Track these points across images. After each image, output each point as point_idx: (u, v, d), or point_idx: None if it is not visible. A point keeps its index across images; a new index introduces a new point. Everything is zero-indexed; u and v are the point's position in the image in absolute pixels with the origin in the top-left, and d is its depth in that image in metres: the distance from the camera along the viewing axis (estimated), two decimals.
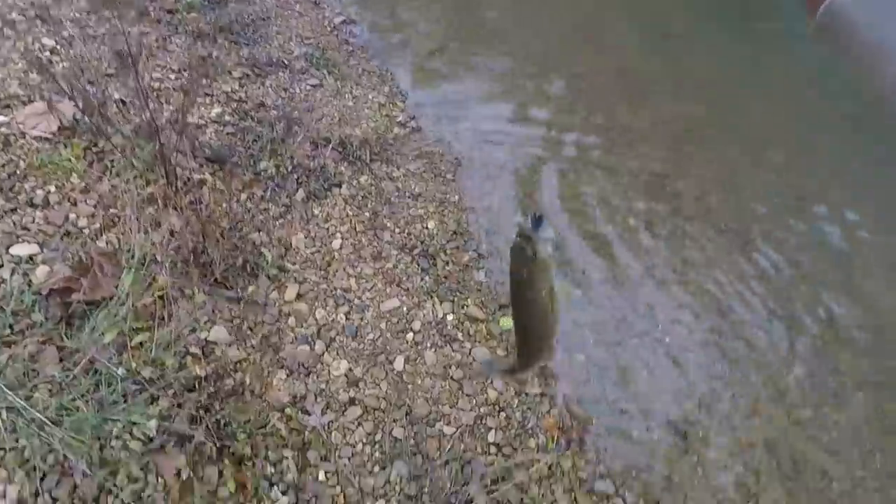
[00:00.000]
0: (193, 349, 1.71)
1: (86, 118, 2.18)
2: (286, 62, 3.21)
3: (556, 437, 1.92)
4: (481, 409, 1.90)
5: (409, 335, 2.05)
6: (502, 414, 1.92)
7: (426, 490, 1.66)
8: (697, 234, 2.88)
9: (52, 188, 2.00)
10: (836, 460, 2.02)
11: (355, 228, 2.37)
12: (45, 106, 2.19)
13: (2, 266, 1.72)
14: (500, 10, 4.41)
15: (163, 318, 1.73)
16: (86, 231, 1.91)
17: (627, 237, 2.79)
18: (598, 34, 4.42)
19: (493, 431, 1.86)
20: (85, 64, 2.45)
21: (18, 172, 2.01)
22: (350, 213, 2.43)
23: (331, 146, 2.65)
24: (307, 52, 3.33)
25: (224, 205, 2.23)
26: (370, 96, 3.21)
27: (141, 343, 1.66)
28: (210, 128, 2.55)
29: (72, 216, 1.94)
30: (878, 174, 3.41)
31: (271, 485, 1.54)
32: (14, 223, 1.86)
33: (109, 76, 2.48)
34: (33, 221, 1.88)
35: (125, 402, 1.52)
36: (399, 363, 1.95)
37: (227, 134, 2.54)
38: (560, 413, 2.00)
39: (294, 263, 2.15)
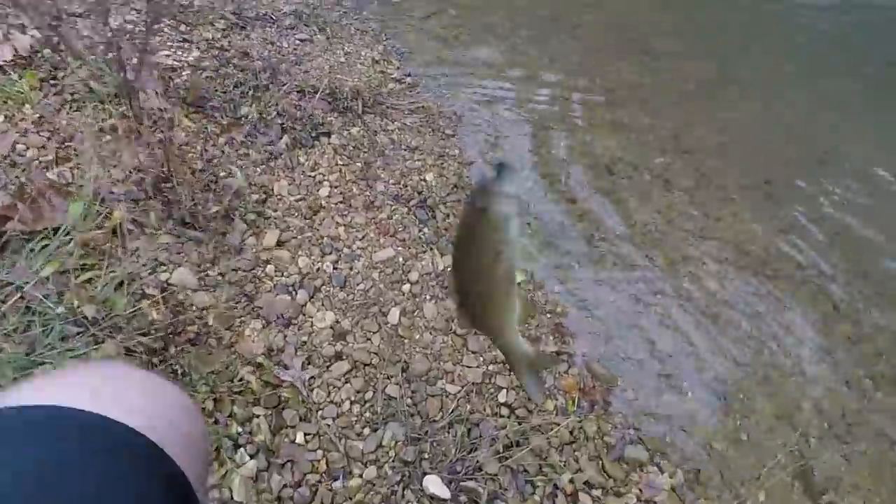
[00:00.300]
0: (151, 290, 1.45)
1: (46, 50, 1.95)
2: (273, 17, 2.98)
3: (576, 399, 1.66)
4: (490, 367, 1.64)
5: (406, 286, 1.79)
6: (513, 374, 1.65)
7: (426, 455, 1.39)
8: (719, 189, 2.64)
9: (1, 118, 1.75)
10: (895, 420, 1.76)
11: (345, 177, 2.12)
12: (0, 35, 1.96)
13: None
14: None
15: (114, 256, 1.48)
16: (34, 163, 1.66)
17: (644, 192, 2.54)
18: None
19: (503, 391, 1.59)
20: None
21: None
22: (340, 162, 2.19)
23: (318, 95, 2.41)
24: (296, 10, 3.11)
25: (198, 146, 1.98)
26: (363, 53, 2.98)
27: (88, 281, 1.41)
28: (186, 71, 2.31)
29: (19, 146, 1.69)
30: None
31: (237, 446, 1.28)
32: None
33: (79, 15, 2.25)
34: None
35: (63, 343, 1.26)
36: (394, 315, 1.69)
37: (206, 78, 2.30)
38: (580, 373, 1.74)
39: (275, 210, 1.90)
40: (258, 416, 1.33)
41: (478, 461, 1.41)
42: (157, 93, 2.03)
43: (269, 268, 1.70)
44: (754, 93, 3.50)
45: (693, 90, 3.39)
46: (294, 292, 1.66)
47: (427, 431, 1.43)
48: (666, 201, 2.54)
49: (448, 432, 1.45)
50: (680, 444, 1.62)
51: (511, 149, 2.63)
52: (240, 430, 1.30)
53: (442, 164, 2.38)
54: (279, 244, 1.78)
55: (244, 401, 1.34)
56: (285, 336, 1.54)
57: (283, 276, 1.70)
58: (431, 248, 1.95)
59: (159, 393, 0.50)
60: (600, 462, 1.53)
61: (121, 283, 1.43)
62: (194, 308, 1.49)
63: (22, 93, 1.82)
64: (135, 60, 1.86)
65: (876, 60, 4.08)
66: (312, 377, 1.46)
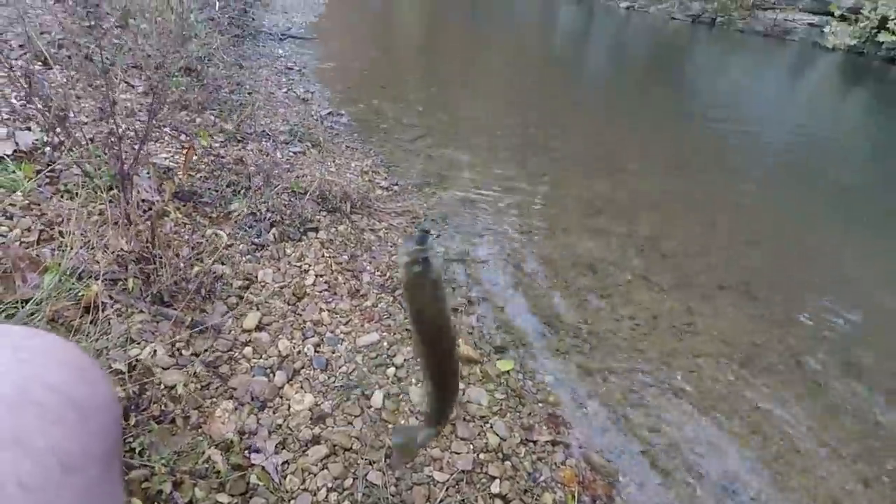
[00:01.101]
0: (117, 365, 1.36)
1: (48, 148, 2.05)
2: (270, 134, 3.21)
3: (577, 494, 1.51)
4: (481, 455, 1.51)
5: (391, 370, 1.70)
6: (507, 462, 1.52)
7: None
8: (698, 287, 2.69)
9: None
10: None
11: (331, 268, 2.13)
12: (5, 132, 2.06)
13: None
14: (476, 109, 4.69)
15: (82, 332, 1.40)
16: (15, 243, 1.64)
17: (627, 290, 2.58)
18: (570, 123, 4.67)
19: (496, 482, 1.45)
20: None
21: None
22: (326, 255, 2.21)
23: (308, 195, 2.51)
24: (292, 129, 3.36)
25: (186, 236, 2.00)
26: (353, 164, 3.18)
27: None
28: (181, 174, 2.41)
29: (3, 228, 1.69)
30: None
31: None
32: None
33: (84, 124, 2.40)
34: None
35: None
36: (377, 399, 1.58)
37: (200, 178, 2.40)
38: (578, 465, 1.60)
39: (257, 295, 1.86)
40: None
41: None
42: (150, 187, 2.10)
43: (247, 349, 1.62)
44: (718, 202, 3.76)
45: (662, 201, 3.63)
46: (272, 374, 1.56)
47: None
48: (649, 298, 2.58)
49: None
50: None
51: (496, 247, 2.70)
52: None
53: None
54: (259, 327, 1.72)
55: (208, 485, 1.19)
56: (259, 418, 1.41)
57: (261, 357, 1.61)
58: None
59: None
60: None
61: None
62: (163, 386, 1.39)
63: (15, 181, 1.87)
64: (131, 155, 1.96)
65: (821, 175, 4.49)
66: (286, 462, 1.32)
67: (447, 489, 1.37)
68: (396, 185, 3.09)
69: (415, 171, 3.34)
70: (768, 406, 1.99)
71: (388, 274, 2.21)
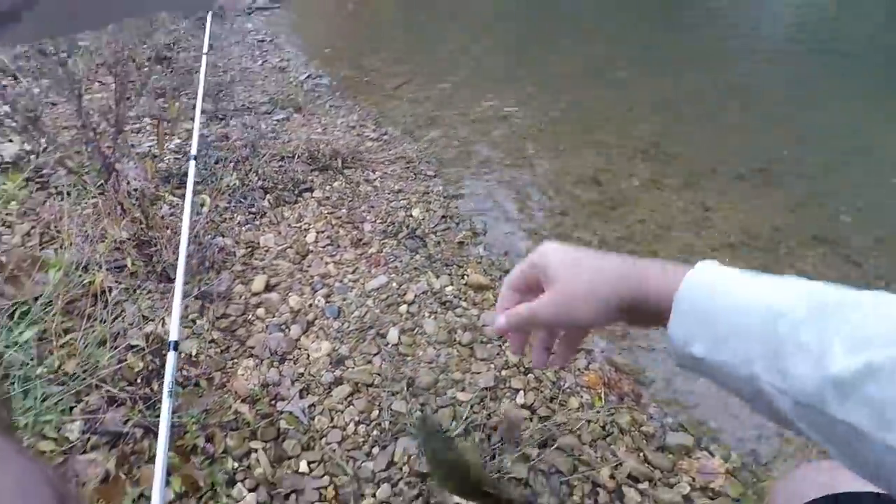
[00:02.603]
0: (135, 342, 1.40)
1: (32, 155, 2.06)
2: (250, 107, 3.17)
3: (603, 394, 1.52)
4: (502, 372, 1.53)
5: (403, 307, 1.72)
6: (529, 375, 1.54)
7: None
8: (712, 182, 2.62)
9: None
10: None
11: (331, 223, 2.13)
12: None
13: None
14: (456, 40, 4.53)
15: (95, 318, 1.44)
16: (18, 248, 1.68)
17: (634, 196, 2.53)
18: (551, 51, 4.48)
19: (520, 393, 1.47)
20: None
21: None
22: (325, 212, 2.20)
23: (297, 158, 2.49)
24: (272, 98, 3.30)
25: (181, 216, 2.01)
26: (339, 122, 3.12)
27: (70, 342, 1.36)
28: (169, 156, 2.41)
29: (5, 237, 1.72)
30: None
31: (233, 482, 1.15)
32: None
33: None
34: None
35: (43, 403, 1.19)
36: (393, 335, 1.60)
37: (186, 159, 2.39)
38: (601, 368, 1.61)
39: (262, 260, 1.88)
40: (256, 450, 1.22)
41: (504, 464, 1.26)
42: (137, 175, 2.11)
43: (260, 311, 1.65)
44: (722, 93, 3.61)
45: (661, 104, 3.49)
46: (287, 329, 1.59)
47: None
48: (659, 200, 2.52)
49: (465, 440, 1.32)
50: (727, 426, 1.46)
51: (496, 177, 2.65)
52: (236, 465, 1.18)
53: (427, 200, 2.39)
54: (268, 288, 1.75)
55: (240, 435, 1.24)
56: (280, 370, 1.45)
57: (274, 316, 1.64)
58: (425, 272, 1.90)
59: None
60: (641, 453, 1.37)
61: (104, 341, 1.38)
62: (183, 355, 1.43)
63: (6, 192, 1.89)
64: (111, 145, 1.96)
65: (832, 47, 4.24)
66: (312, 405, 1.36)
67: (471, 407, 1.40)
68: (386, 134, 3.03)
69: (403, 118, 3.26)
70: None
71: (388, 220, 2.20)
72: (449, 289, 1.83)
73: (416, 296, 1.77)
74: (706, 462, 1.37)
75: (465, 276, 1.90)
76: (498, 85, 3.79)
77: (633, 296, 0.45)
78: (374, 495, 1.17)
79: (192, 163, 1.66)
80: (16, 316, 1.37)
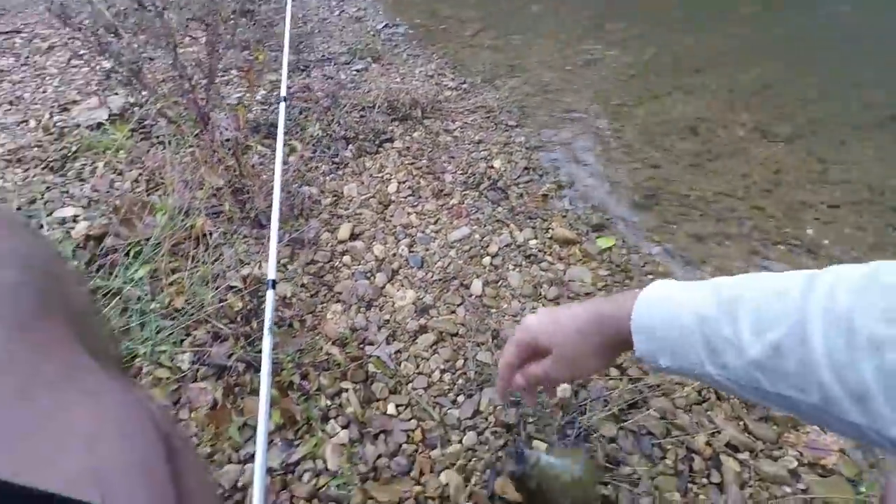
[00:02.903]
0: (234, 283, 1.47)
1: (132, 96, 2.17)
2: (330, 58, 3.17)
3: None
4: None
5: (486, 259, 1.69)
6: None
7: (530, 419, 1.23)
8: (829, 133, 2.33)
9: (101, 165, 1.94)
10: None
11: (412, 174, 2.11)
12: (97, 101, 2.22)
13: (42, 227, 1.62)
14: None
15: (199, 259, 1.52)
16: (129, 193, 1.80)
17: (738, 148, 2.31)
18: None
19: None
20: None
21: (69, 155, 1.98)
22: (405, 162, 2.18)
23: (377, 108, 2.47)
24: (350, 48, 3.28)
25: (270, 165, 2.07)
26: (417, 71, 3.06)
27: (177, 280, 1.45)
28: (256, 107, 2.47)
29: (117, 183, 1.85)
30: None
31: (326, 418, 1.20)
32: (62, 193, 1.79)
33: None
34: (80, 191, 1.81)
35: (157, 336, 1.29)
36: (477, 287, 1.58)
37: (273, 112, 2.45)
38: None
39: (346, 209, 1.91)
40: (346, 391, 1.26)
41: (591, 423, 1.22)
42: (229, 125, 2.17)
43: (346, 258, 1.68)
44: (842, 34, 3.17)
45: (772, 46, 3.12)
46: (373, 277, 1.61)
47: None
48: (766, 153, 2.28)
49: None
50: None
51: (581, 126, 2.51)
52: (329, 402, 1.23)
53: (509, 151, 2.31)
54: (353, 236, 1.77)
55: (331, 375, 1.28)
56: (367, 316, 1.48)
57: (359, 263, 1.67)
58: (508, 225, 1.85)
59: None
60: (741, 422, 1.28)
61: (207, 280, 1.46)
62: (277, 297, 1.49)
63: (116, 141, 2.02)
64: (205, 96, 2.02)
65: None
66: (398, 351, 1.38)
67: None
68: (465, 83, 2.94)
69: (482, 66, 3.14)
70: None
71: (469, 171, 2.14)
72: (533, 242, 1.77)
73: (499, 248, 1.72)
74: (816, 437, 1.26)
75: (550, 230, 1.83)
76: (584, 27, 3.54)
77: (615, 334, 0.53)
78: (460, 441, 1.18)
79: (283, 105, 1.67)
80: (131, 255, 1.48)
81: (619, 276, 1.69)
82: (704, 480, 1.15)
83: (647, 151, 2.34)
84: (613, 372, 1.37)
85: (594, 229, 1.88)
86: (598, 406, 1.27)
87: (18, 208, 1.75)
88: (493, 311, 1.52)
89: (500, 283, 1.61)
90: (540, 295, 1.57)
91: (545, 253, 1.74)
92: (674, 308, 0.47)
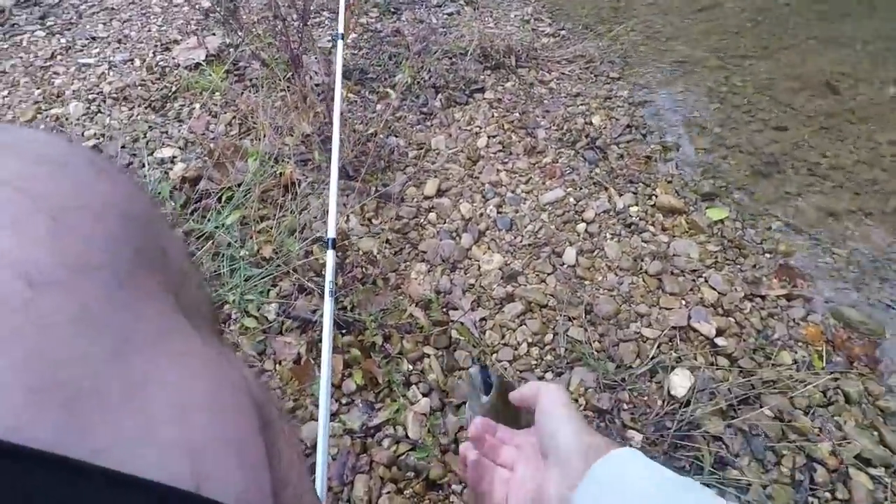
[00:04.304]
0: (321, 234, 1.45)
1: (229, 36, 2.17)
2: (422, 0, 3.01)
3: (824, 353, 1.25)
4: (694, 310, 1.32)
5: (581, 226, 1.55)
6: (730, 318, 1.31)
7: (625, 406, 1.13)
8: None
9: (197, 106, 1.97)
10: None
11: (503, 128, 1.97)
12: (196, 41, 2.24)
13: (144, 167, 1.67)
14: None
15: (287, 208, 1.51)
16: (223, 137, 1.82)
17: (884, 110, 1.95)
18: None
19: (720, 338, 1.26)
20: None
21: (170, 95, 2.02)
22: (496, 115, 2.05)
23: (469, 55, 2.32)
24: None
25: (358, 113, 2.01)
26: (512, 15, 2.84)
27: (266, 229, 1.45)
28: (347, 52, 2.40)
29: (212, 125, 1.87)
30: None
31: (408, 384, 1.17)
32: (161, 133, 1.84)
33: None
34: (178, 132, 1.85)
35: (246, 283, 1.30)
36: (570, 255, 1.46)
37: (363, 56, 2.37)
38: (824, 321, 1.31)
39: (433, 163, 1.82)
40: (429, 356, 1.22)
41: (694, 416, 1.11)
42: (319, 69, 2.13)
43: (431, 215, 1.61)
44: None
45: None
46: (458, 237, 1.54)
47: (623, 378, 1.17)
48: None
49: (650, 381, 1.18)
50: None
51: (695, 80, 2.23)
52: (410, 367, 1.19)
53: (610, 106, 2.10)
54: (439, 193, 1.69)
55: (414, 339, 1.24)
56: (451, 279, 1.41)
57: (445, 222, 1.59)
58: (606, 188, 1.69)
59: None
60: (876, 432, 1.11)
61: (293, 231, 1.45)
62: (361, 252, 1.45)
63: (212, 83, 2.03)
64: (297, 39, 1.97)
65: None
66: (483, 318, 1.31)
67: (659, 346, 1.24)
68: (563, 29, 2.70)
69: (583, 10, 2.86)
70: None
71: (565, 127, 1.98)
72: (634, 209, 1.61)
73: (596, 214, 1.58)
74: None
75: (654, 197, 1.65)
76: None
77: None
78: None
79: (340, 43, 1.57)
80: (223, 199, 1.49)
81: (732, 252, 1.51)
82: (828, 495, 1.01)
83: (771, 110, 2.05)
84: (722, 361, 1.23)
85: (704, 198, 1.67)
86: (704, 398, 1.15)
87: (123, 146, 1.82)
88: (587, 283, 1.40)
89: (595, 253, 1.48)
90: (640, 269, 1.42)
91: (647, 222, 1.57)
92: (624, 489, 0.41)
